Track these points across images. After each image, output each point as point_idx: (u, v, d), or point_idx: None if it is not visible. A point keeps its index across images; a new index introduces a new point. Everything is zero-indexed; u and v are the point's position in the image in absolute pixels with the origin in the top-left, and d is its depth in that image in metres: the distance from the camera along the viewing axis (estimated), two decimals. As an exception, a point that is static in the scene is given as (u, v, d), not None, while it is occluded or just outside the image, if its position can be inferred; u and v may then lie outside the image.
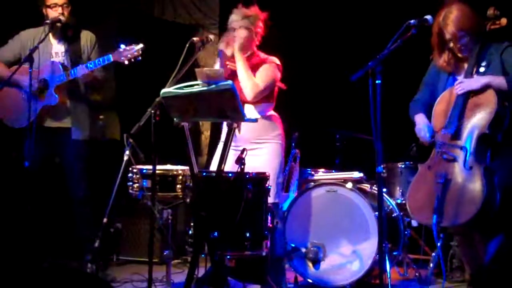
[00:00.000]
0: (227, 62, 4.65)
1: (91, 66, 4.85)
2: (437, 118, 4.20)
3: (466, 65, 4.20)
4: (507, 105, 4.03)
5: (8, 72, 4.91)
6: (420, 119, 4.32)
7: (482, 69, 4.14)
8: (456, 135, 4.06)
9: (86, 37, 5.14)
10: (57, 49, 5.11)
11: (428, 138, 4.22)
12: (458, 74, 4.24)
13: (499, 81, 4.04)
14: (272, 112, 4.68)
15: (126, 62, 4.85)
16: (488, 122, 3.99)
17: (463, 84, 4.09)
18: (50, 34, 5.09)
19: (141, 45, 4.79)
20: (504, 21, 4.18)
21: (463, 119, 4.06)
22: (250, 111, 4.54)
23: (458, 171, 4.01)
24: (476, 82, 4.08)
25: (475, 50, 4.15)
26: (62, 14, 4.99)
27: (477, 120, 4.03)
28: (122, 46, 4.83)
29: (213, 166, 4.47)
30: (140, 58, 4.83)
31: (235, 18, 4.62)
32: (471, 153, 4.00)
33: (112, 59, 4.80)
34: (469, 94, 4.07)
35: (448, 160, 4.06)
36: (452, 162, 4.05)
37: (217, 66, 4.65)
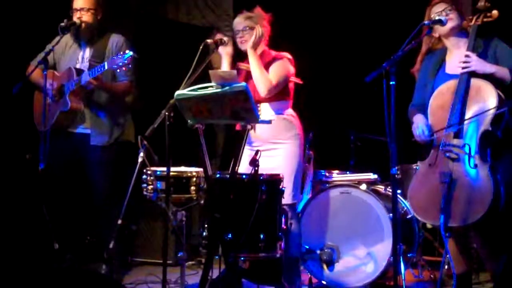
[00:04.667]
0: (239, 63, 4.65)
1: (92, 73, 4.84)
2: (435, 114, 4.18)
3: (453, 56, 4.23)
4: (505, 99, 4.01)
5: (39, 77, 4.94)
6: (417, 119, 4.32)
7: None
8: (458, 132, 4.04)
9: (113, 41, 5.09)
10: (83, 54, 5.12)
11: (426, 137, 4.22)
12: (446, 66, 4.28)
13: (504, 72, 4.05)
14: (290, 111, 4.67)
15: (118, 70, 4.83)
16: (490, 118, 3.96)
17: (471, 61, 4.06)
18: (72, 39, 5.13)
19: (130, 53, 4.69)
20: (495, 13, 4.18)
21: (463, 117, 4.03)
22: (266, 109, 4.55)
23: (463, 170, 3.98)
24: (482, 65, 4.06)
25: (472, 32, 4.16)
26: (80, 19, 4.99)
27: (479, 117, 3.99)
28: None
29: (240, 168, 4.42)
30: (130, 66, 4.74)
31: (238, 20, 4.68)
32: (475, 151, 3.98)
33: (106, 67, 4.76)
34: (468, 89, 4.05)
35: (451, 159, 4.03)
36: (456, 161, 4.01)
37: (224, 66, 4.65)
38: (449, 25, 4.20)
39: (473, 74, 4.08)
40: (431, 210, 4.05)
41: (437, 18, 4.13)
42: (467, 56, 4.09)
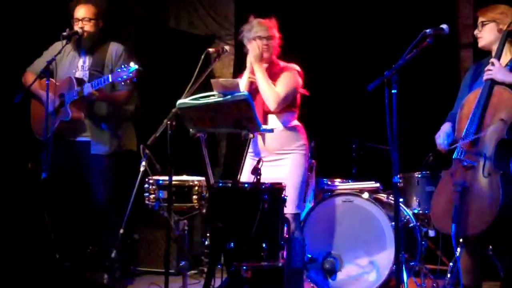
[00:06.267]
0: (249, 75, 4.60)
1: (95, 85, 4.84)
2: (460, 122, 4.11)
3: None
4: None
5: (36, 85, 4.95)
6: (442, 127, 4.27)
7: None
8: (475, 141, 3.97)
9: (112, 50, 5.08)
10: (82, 63, 5.11)
11: (445, 146, 4.17)
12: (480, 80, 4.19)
13: None
14: (296, 122, 4.64)
15: (123, 83, 4.83)
16: (506, 126, 3.90)
17: (493, 69, 4.00)
18: (73, 47, 5.12)
19: (135, 67, 4.69)
20: None
21: (482, 125, 3.97)
22: (273, 121, 4.53)
23: (477, 179, 3.92)
24: (502, 74, 3.98)
25: (501, 39, 4.08)
26: (82, 29, 5.00)
27: (496, 125, 3.93)
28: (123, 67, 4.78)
29: (243, 177, 4.34)
30: (135, 79, 4.73)
31: (262, 27, 4.56)
32: (489, 159, 3.91)
33: (110, 80, 4.76)
34: (490, 96, 3.98)
35: (467, 168, 3.96)
36: (472, 170, 3.94)
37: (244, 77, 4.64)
38: (479, 44, 4.18)
39: (498, 82, 4.00)
40: (446, 219, 3.97)
41: (443, 26, 4.03)
42: (492, 63, 4.03)
